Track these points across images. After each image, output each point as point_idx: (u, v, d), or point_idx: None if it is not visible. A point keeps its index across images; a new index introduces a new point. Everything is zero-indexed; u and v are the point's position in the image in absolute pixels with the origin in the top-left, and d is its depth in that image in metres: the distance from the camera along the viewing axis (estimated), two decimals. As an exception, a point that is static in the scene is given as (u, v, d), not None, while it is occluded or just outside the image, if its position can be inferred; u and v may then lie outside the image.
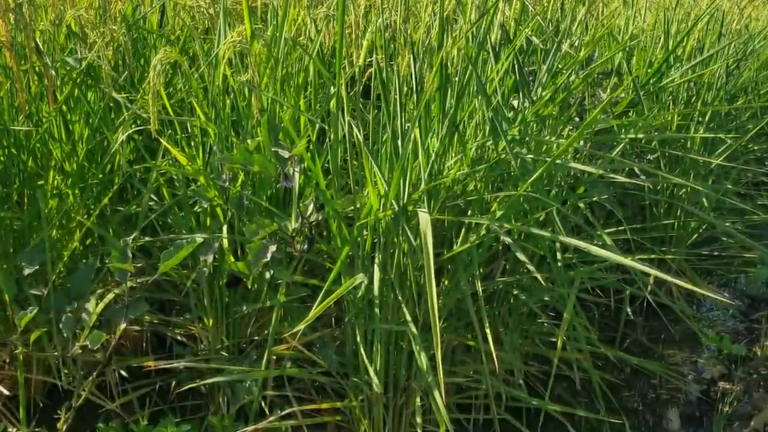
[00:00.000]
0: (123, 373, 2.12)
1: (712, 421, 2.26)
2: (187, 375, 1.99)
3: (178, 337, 2.15)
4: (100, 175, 1.99)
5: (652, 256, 2.09)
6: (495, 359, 1.46)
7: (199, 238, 1.47)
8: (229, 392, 1.94)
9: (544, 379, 1.93)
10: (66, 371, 1.90)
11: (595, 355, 2.34)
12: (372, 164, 1.48)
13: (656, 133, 2.36)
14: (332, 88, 1.64)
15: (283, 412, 1.68)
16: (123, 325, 1.46)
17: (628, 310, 2.76)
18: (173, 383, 2.02)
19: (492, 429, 1.90)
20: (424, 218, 1.30)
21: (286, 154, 1.43)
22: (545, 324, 2.21)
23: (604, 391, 2.16)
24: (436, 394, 1.31)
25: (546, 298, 1.89)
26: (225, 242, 1.69)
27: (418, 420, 1.57)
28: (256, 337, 1.92)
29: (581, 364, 2.13)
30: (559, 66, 1.78)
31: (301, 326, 1.31)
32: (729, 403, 2.24)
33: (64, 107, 2.01)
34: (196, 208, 1.86)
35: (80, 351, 1.53)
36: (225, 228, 1.74)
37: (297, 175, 1.46)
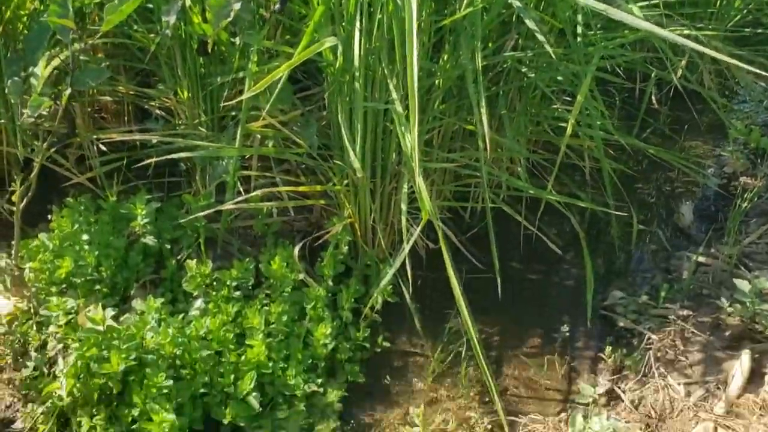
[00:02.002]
0: (103, 147, 2.02)
1: (727, 216, 2.12)
2: (164, 150, 1.85)
3: (157, 111, 2.01)
4: None
5: (686, 31, 1.82)
6: (488, 145, 1.29)
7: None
8: (211, 171, 1.82)
9: (553, 169, 1.76)
10: (36, 143, 1.78)
11: (611, 145, 2.15)
12: None
13: None
14: None
15: (257, 192, 1.55)
16: (68, 92, 1.28)
17: (653, 97, 2.53)
18: (153, 159, 1.90)
19: (491, 217, 1.77)
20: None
21: None
22: (558, 109, 2.01)
23: (615, 183, 2.00)
24: (418, 178, 1.15)
25: (559, 78, 1.67)
26: (188, 1, 1.46)
27: (403, 207, 1.43)
28: (234, 113, 1.75)
29: (593, 153, 1.96)
30: None
31: (259, 88, 1.12)
32: (749, 199, 2.08)
33: None
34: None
35: (31, 119, 1.37)
36: (189, -16, 1.50)
37: None
